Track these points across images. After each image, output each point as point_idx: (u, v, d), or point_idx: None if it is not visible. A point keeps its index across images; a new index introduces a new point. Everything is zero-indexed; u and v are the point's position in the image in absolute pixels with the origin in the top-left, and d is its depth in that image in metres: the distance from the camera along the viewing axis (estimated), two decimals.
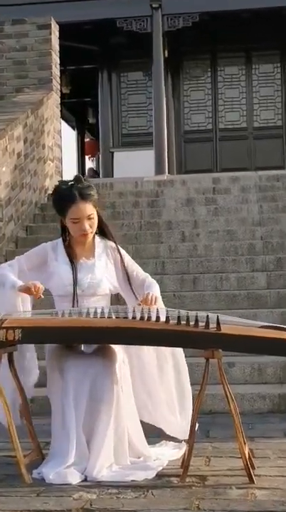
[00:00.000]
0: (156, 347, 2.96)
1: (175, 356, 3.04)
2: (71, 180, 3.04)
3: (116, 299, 3.14)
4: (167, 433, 3.04)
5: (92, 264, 3.04)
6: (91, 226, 3.01)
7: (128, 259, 3.14)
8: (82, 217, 2.98)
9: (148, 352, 3.00)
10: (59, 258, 3.06)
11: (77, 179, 3.03)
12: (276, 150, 11.43)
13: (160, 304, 2.96)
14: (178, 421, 3.02)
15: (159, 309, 2.79)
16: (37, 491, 2.60)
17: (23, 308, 2.96)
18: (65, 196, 2.99)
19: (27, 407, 2.98)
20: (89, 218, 2.99)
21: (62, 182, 3.10)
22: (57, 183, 3.14)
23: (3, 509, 2.40)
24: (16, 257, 3.12)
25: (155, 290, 3.01)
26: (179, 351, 3.05)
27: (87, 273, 3.02)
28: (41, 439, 3.07)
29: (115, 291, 3.11)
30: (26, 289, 2.88)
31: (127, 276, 3.08)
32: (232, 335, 2.70)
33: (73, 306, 2.95)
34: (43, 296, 2.90)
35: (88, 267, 3.04)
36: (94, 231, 3.05)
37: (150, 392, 3.01)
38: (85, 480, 2.73)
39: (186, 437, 2.91)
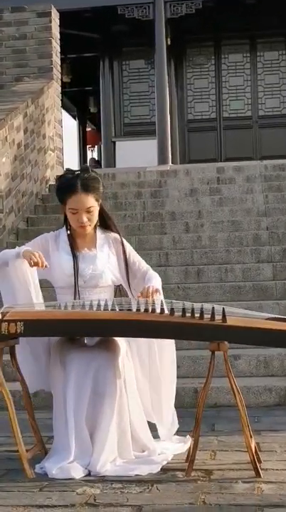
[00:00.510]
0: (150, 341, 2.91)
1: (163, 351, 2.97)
2: (78, 170, 2.99)
3: (119, 292, 3.09)
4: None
5: (93, 255, 2.99)
6: (89, 219, 2.95)
7: (130, 250, 3.09)
8: (81, 209, 2.92)
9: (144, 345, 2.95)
10: (60, 248, 3.01)
11: (84, 169, 2.99)
12: (281, 139, 11.34)
13: (160, 297, 2.88)
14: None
15: (164, 301, 2.74)
16: (40, 486, 2.57)
17: (33, 282, 2.88)
18: (67, 185, 2.94)
19: (29, 400, 2.93)
20: (88, 211, 2.94)
21: (68, 170, 3.04)
22: (64, 170, 3.08)
23: (6, 504, 2.37)
24: (17, 247, 3.06)
25: (156, 283, 2.95)
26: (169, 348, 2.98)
27: (88, 264, 2.97)
28: (44, 433, 3.04)
29: (118, 283, 3.07)
30: (32, 259, 2.78)
31: (127, 268, 3.02)
32: (238, 327, 2.65)
33: (75, 298, 2.90)
34: (48, 266, 2.82)
35: (90, 257, 2.99)
36: (93, 224, 2.99)
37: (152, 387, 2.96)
38: (89, 475, 2.69)
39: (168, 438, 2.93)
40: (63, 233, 3.05)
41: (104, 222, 3.08)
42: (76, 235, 3.03)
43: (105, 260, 3.01)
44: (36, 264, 2.80)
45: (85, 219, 2.94)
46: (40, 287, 3.00)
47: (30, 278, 2.89)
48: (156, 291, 2.83)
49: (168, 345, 2.97)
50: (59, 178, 3.05)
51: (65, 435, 2.76)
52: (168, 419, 3.00)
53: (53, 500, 2.40)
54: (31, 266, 2.82)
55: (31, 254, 2.81)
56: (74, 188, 2.90)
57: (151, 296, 2.78)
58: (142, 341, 2.95)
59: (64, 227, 3.06)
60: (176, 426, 3.05)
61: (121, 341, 2.92)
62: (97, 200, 2.96)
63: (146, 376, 2.96)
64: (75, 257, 2.96)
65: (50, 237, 3.06)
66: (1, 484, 2.61)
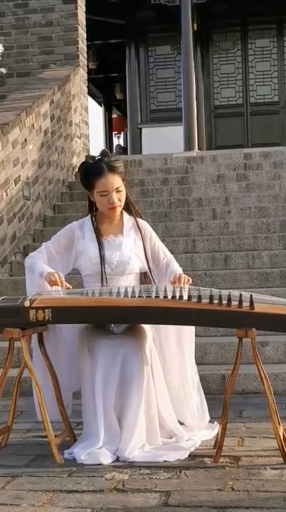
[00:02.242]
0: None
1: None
2: (98, 155, 3.00)
3: (144, 278, 3.09)
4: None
5: (120, 242, 3.00)
6: (119, 199, 2.97)
7: (154, 237, 3.09)
8: (111, 190, 2.93)
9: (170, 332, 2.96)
10: (86, 236, 3.02)
11: (103, 153, 3.00)
12: None
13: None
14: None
15: (191, 288, 2.74)
16: (69, 472, 2.59)
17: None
18: (93, 169, 2.95)
19: (58, 387, 2.95)
20: (117, 191, 2.95)
21: (89, 157, 3.05)
22: (85, 159, 3.09)
23: (35, 489, 2.40)
24: (43, 244, 3.10)
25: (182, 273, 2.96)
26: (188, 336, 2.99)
27: (115, 250, 2.98)
28: (73, 419, 3.06)
29: (144, 270, 3.07)
30: (51, 280, 2.86)
31: (146, 255, 3.02)
32: (266, 313, 2.64)
33: (102, 286, 2.91)
34: (69, 286, 2.87)
35: (116, 244, 2.99)
36: (123, 204, 3.00)
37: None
38: (117, 460, 2.71)
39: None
40: (89, 221, 3.05)
41: (129, 208, 3.08)
42: (103, 221, 3.03)
43: (132, 246, 3.01)
44: (55, 284, 2.84)
45: (115, 199, 2.94)
46: (69, 275, 3.02)
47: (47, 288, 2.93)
48: (188, 280, 2.84)
49: (189, 332, 2.97)
50: (82, 166, 3.06)
51: (94, 421, 2.77)
52: (194, 408, 2.99)
53: (82, 485, 2.42)
54: (51, 286, 2.87)
55: (51, 276, 2.85)
56: (101, 171, 2.92)
57: (184, 284, 2.79)
58: (170, 329, 2.96)
59: (89, 215, 3.07)
60: (207, 416, 3.05)
61: (148, 329, 2.92)
62: (123, 180, 2.99)
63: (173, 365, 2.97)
64: (100, 245, 2.97)
65: (75, 226, 3.07)
66: (30, 469, 2.64)
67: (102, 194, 2.95)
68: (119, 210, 3.00)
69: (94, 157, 3.01)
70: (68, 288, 2.87)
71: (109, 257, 2.96)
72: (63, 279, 2.87)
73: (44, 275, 2.89)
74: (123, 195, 2.98)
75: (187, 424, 3.01)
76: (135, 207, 3.11)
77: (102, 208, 2.99)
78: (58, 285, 2.85)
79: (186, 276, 2.87)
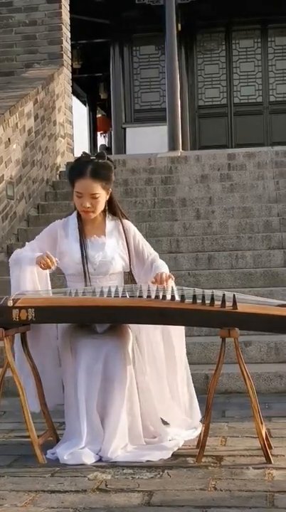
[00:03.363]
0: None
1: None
2: (94, 155, 2.99)
3: (129, 278, 3.09)
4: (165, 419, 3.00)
5: (102, 242, 2.99)
6: (92, 205, 2.94)
7: (139, 237, 3.08)
8: (85, 194, 2.92)
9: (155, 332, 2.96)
10: (69, 235, 3.01)
11: (99, 155, 2.99)
12: None
13: (172, 285, 2.88)
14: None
15: (174, 288, 2.74)
16: (51, 472, 2.58)
17: (40, 287, 2.92)
18: (77, 168, 2.95)
19: (41, 387, 2.94)
20: (92, 197, 2.93)
21: (85, 154, 3.03)
22: (82, 154, 3.08)
23: (18, 489, 2.39)
24: (27, 243, 3.09)
25: (165, 271, 2.94)
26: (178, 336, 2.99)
27: (98, 251, 2.97)
28: (55, 419, 3.05)
29: (128, 269, 3.06)
30: (41, 262, 2.84)
31: (130, 255, 3.01)
32: (248, 313, 2.65)
33: (86, 285, 2.90)
34: (56, 264, 2.86)
35: (99, 244, 2.99)
36: (97, 212, 2.98)
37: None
38: (100, 460, 2.70)
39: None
40: (72, 220, 3.04)
41: (114, 210, 3.07)
42: (85, 222, 3.03)
43: (114, 247, 3.00)
44: (48, 266, 2.83)
45: (87, 204, 2.93)
46: (53, 274, 3.01)
47: (37, 281, 2.91)
48: (170, 277, 2.84)
49: (179, 332, 2.97)
50: (74, 161, 3.06)
51: (77, 421, 2.77)
52: (185, 405, 2.99)
53: (65, 485, 2.42)
54: (43, 269, 2.86)
55: (40, 258, 2.84)
56: (83, 172, 2.91)
57: (165, 282, 2.78)
58: (152, 329, 2.96)
59: (73, 214, 3.06)
60: (197, 414, 3.04)
61: (130, 328, 2.92)
62: (104, 188, 2.95)
63: (155, 366, 2.96)
64: (82, 244, 2.96)
65: (58, 224, 3.06)
66: (13, 469, 2.63)
67: (77, 195, 2.94)
68: (91, 215, 2.97)
69: (89, 156, 3.00)
70: (57, 262, 2.85)
71: (92, 257, 2.96)
72: (53, 259, 2.84)
73: (35, 261, 2.87)
74: (98, 202, 2.95)
75: (175, 422, 3.00)
76: (120, 209, 3.10)
77: (77, 208, 2.99)
78: (50, 266, 2.83)
79: (166, 274, 2.85)
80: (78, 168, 2.94)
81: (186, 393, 3.00)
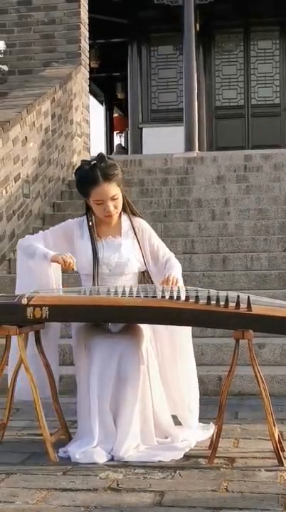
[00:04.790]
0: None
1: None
2: (94, 160, 2.95)
3: (143, 278, 3.08)
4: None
5: (118, 243, 2.99)
6: (116, 207, 2.94)
7: (154, 236, 3.08)
8: (106, 199, 2.91)
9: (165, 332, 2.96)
10: (85, 236, 3.00)
11: (99, 158, 2.93)
12: None
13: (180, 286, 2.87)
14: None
15: (188, 289, 2.73)
16: (63, 470, 2.59)
17: (54, 279, 2.91)
18: (88, 178, 2.91)
19: (54, 385, 2.95)
20: (113, 199, 2.92)
21: (84, 162, 3.00)
22: (79, 164, 3.04)
23: (30, 487, 2.40)
24: (40, 231, 3.07)
25: (176, 271, 2.94)
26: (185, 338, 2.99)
27: (114, 251, 2.97)
28: (68, 417, 3.05)
29: (143, 269, 3.06)
30: (58, 260, 2.83)
31: (144, 255, 3.01)
32: (263, 315, 2.63)
33: (99, 285, 2.90)
34: (75, 268, 2.86)
35: (115, 245, 2.99)
36: (119, 211, 2.98)
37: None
38: (112, 459, 2.70)
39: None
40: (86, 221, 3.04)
41: (126, 209, 3.06)
42: (101, 222, 3.02)
43: (130, 247, 3.00)
44: (70, 266, 2.82)
45: (111, 207, 2.93)
46: (68, 274, 3.00)
47: (52, 277, 2.91)
48: (177, 281, 2.83)
49: (186, 333, 2.98)
50: (77, 172, 3.01)
51: (89, 420, 2.77)
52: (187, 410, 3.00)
53: (76, 484, 2.42)
54: (65, 268, 2.84)
55: (64, 257, 2.82)
56: (95, 180, 2.88)
57: (171, 285, 2.78)
58: (163, 331, 2.96)
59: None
60: (195, 418, 3.04)
61: (145, 328, 2.92)
62: (118, 186, 2.95)
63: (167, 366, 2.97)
64: (94, 246, 2.95)
65: (74, 223, 3.06)
66: (25, 467, 2.64)
67: (97, 203, 2.93)
68: (115, 217, 2.97)
69: (89, 162, 2.96)
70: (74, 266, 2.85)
71: (107, 258, 2.96)
72: (73, 258, 2.84)
73: (49, 257, 2.85)
74: (119, 202, 2.95)
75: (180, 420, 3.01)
76: (133, 207, 3.09)
77: (99, 215, 2.97)
78: (72, 266, 2.81)
79: (175, 276, 2.85)
80: (88, 178, 2.91)
81: (193, 394, 3.00)
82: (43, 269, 2.88)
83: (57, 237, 3.02)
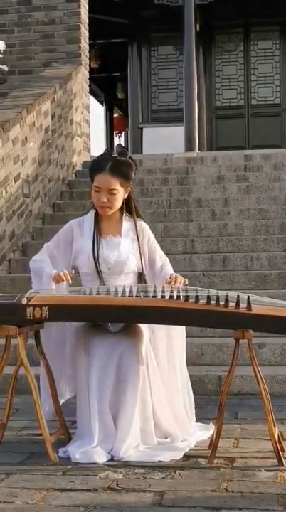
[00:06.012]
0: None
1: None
2: (115, 152, 3.02)
3: (140, 279, 3.09)
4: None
5: (118, 242, 3.00)
6: (109, 201, 2.94)
7: (153, 239, 3.10)
8: (103, 189, 2.93)
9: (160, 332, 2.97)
10: (85, 234, 3.02)
11: (120, 152, 3.01)
12: None
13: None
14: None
15: (188, 289, 2.74)
16: (63, 470, 2.59)
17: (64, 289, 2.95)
18: (98, 163, 2.97)
19: (53, 385, 2.95)
20: (110, 192, 2.93)
21: (107, 151, 3.08)
22: (104, 151, 3.12)
23: (29, 487, 2.40)
24: (45, 244, 3.11)
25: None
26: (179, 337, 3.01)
27: (113, 250, 2.97)
28: (68, 418, 3.05)
29: (140, 271, 3.06)
30: (56, 278, 2.87)
31: (142, 255, 3.02)
32: (263, 315, 2.63)
33: (99, 284, 2.91)
34: (70, 282, 2.90)
35: (114, 244, 2.99)
36: (114, 208, 2.98)
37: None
38: (112, 459, 2.70)
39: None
40: (88, 219, 3.05)
41: (131, 210, 3.07)
42: (101, 220, 3.03)
43: (129, 247, 3.01)
44: (61, 281, 2.86)
45: (104, 199, 2.94)
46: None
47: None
48: (182, 280, 2.84)
49: (181, 333, 2.99)
50: (97, 157, 3.09)
51: (89, 420, 2.77)
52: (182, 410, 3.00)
53: (76, 484, 2.42)
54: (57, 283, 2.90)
55: (57, 276, 2.87)
56: (102, 168, 2.92)
57: (178, 283, 2.80)
58: (160, 331, 2.97)
59: (90, 213, 3.07)
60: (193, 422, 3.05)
61: (144, 328, 2.92)
62: (122, 186, 2.95)
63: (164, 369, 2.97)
64: (95, 243, 2.97)
65: (74, 224, 3.08)
66: (24, 467, 2.64)
67: (95, 189, 2.95)
68: (108, 211, 2.98)
69: (111, 152, 3.03)
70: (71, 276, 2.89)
71: (107, 256, 2.96)
72: (68, 275, 2.87)
73: (52, 278, 2.90)
74: (115, 199, 2.95)
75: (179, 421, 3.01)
76: (138, 209, 3.11)
77: (95, 202, 3.00)
78: (64, 282, 2.85)
79: (182, 278, 2.88)
80: (98, 164, 2.96)
81: (184, 396, 3.01)
82: (50, 287, 2.93)
83: (58, 244, 3.06)
